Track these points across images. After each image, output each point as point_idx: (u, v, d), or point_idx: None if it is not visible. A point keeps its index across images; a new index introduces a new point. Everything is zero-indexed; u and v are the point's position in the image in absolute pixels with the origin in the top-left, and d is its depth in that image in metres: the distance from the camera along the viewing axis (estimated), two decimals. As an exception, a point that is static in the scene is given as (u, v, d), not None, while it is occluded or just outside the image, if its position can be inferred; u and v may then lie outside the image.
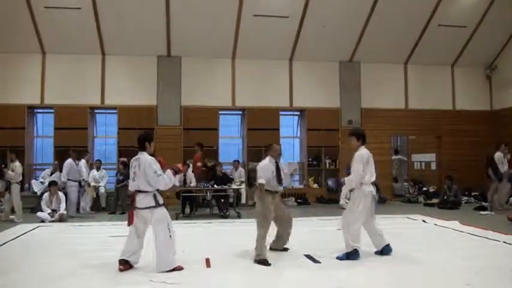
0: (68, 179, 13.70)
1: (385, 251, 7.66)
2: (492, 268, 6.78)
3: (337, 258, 7.35)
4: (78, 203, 14.06)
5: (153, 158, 6.65)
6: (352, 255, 7.29)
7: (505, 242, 8.74)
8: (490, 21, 17.04)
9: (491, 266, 6.92)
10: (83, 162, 14.14)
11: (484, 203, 15.29)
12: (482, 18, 17.04)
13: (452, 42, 17.80)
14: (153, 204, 6.60)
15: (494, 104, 18.97)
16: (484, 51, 18.36)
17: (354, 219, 7.38)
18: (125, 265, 6.67)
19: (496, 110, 18.80)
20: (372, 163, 7.57)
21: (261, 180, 7.60)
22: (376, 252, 7.74)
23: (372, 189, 7.51)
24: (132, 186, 6.70)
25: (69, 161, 13.84)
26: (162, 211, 6.66)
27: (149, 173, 6.51)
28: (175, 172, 6.90)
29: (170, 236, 6.60)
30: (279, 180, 7.87)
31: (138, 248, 6.79)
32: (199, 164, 14.42)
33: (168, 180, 6.66)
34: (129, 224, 6.69)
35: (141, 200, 6.60)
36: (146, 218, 6.63)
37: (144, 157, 6.62)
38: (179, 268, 6.60)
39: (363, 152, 7.52)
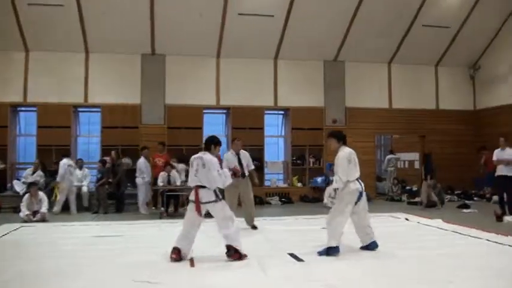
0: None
1: (370, 246, 7.96)
2: (475, 266, 6.94)
3: (318, 253, 7.62)
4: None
5: (216, 159, 7.49)
6: (331, 250, 7.54)
7: (488, 240, 8.94)
8: (474, 22, 17.42)
9: (474, 263, 7.09)
10: (61, 162, 14.09)
11: (466, 201, 15.72)
12: (466, 19, 17.41)
13: (436, 42, 18.15)
14: (214, 198, 7.30)
15: (477, 104, 19.39)
16: (468, 51, 18.76)
17: (337, 216, 7.66)
18: (178, 254, 7.24)
19: (479, 109, 19.23)
20: (356, 160, 7.87)
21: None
22: (362, 247, 8.05)
23: (358, 186, 7.76)
24: (193, 181, 7.38)
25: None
26: (222, 204, 7.44)
27: (213, 171, 7.25)
28: (234, 174, 7.98)
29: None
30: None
31: (192, 239, 7.44)
32: (161, 162, 14.68)
33: (225, 178, 7.46)
34: (199, 214, 7.33)
35: (204, 195, 7.27)
36: (210, 209, 7.41)
37: (208, 157, 7.37)
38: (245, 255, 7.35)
39: (345, 151, 7.79)
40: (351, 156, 7.76)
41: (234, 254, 7.27)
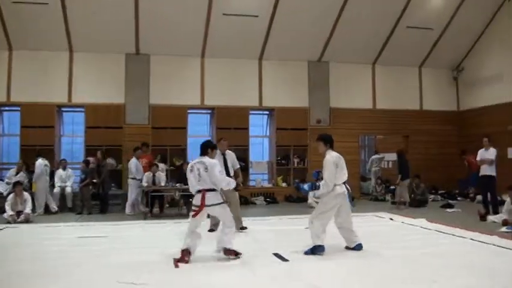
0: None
1: (356, 248, 8.09)
2: (459, 265, 7.03)
3: (304, 253, 7.75)
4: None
5: (217, 161, 7.87)
6: (316, 249, 7.68)
7: (472, 239, 9.06)
8: (457, 24, 17.68)
9: (458, 262, 7.19)
10: (37, 162, 14.04)
11: (450, 201, 15.95)
12: (450, 22, 17.67)
13: (420, 44, 18.38)
14: (220, 201, 7.58)
15: (461, 105, 19.64)
16: (451, 53, 19.02)
17: (320, 217, 7.80)
18: (188, 255, 7.33)
19: (463, 110, 19.51)
20: (343, 164, 7.99)
21: None
22: (347, 248, 8.19)
23: (344, 189, 7.89)
24: (198, 186, 7.51)
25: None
26: (225, 207, 7.70)
27: (216, 173, 7.45)
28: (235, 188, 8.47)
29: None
30: (226, 170, 9.52)
31: (199, 235, 7.59)
32: (144, 162, 14.76)
33: (228, 180, 7.79)
34: (194, 216, 7.50)
35: (211, 198, 7.44)
36: (212, 212, 7.74)
37: (208, 160, 7.59)
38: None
39: (332, 155, 7.92)
40: (338, 160, 7.88)
41: (229, 251, 7.53)
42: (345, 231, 8.14)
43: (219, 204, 7.53)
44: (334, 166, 7.78)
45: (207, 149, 7.78)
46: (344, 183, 7.91)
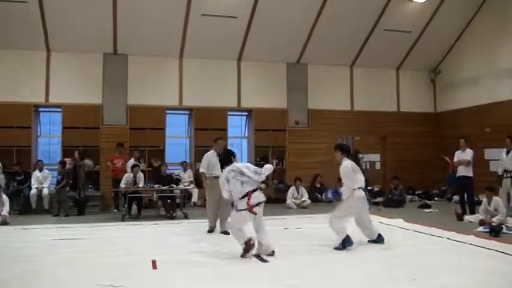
0: None
1: (378, 239, 8.82)
2: (437, 263, 7.22)
3: (335, 248, 8.21)
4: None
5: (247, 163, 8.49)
6: (346, 242, 8.20)
7: (448, 238, 9.29)
8: (435, 27, 18.00)
9: (436, 261, 7.39)
10: None
11: (427, 201, 16.34)
12: (427, 24, 17.94)
13: (398, 47, 18.72)
14: (264, 199, 7.94)
15: (438, 107, 20.00)
16: (429, 55, 19.38)
17: (340, 218, 8.39)
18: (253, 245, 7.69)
19: (440, 112, 19.87)
20: (359, 170, 8.67)
21: (201, 170, 10.58)
22: (369, 241, 8.87)
23: (363, 193, 8.61)
24: (243, 190, 7.73)
25: None
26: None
27: (251, 174, 7.80)
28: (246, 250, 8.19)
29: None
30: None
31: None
32: (120, 163, 14.87)
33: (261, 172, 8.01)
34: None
35: (257, 196, 7.75)
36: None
37: (239, 164, 8.09)
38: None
39: (347, 163, 8.53)
40: (354, 166, 8.51)
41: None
42: (364, 228, 8.86)
43: (263, 202, 7.90)
44: (352, 171, 8.40)
45: (230, 157, 8.16)
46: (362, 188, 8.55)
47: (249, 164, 8.18)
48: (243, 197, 7.65)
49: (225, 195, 8.01)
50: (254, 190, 7.73)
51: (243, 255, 7.56)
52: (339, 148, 8.80)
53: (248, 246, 7.56)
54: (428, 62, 19.65)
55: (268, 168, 8.01)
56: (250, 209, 7.61)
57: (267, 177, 8.67)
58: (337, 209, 8.53)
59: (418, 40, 18.45)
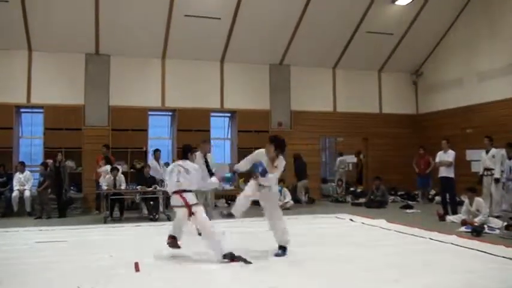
0: None
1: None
2: (419, 263, 7.29)
3: (275, 255, 7.84)
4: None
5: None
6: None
7: (431, 239, 9.41)
8: (417, 30, 18.40)
9: (418, 261, 7.46)
10: None
11: (409, 202, 16.57)
12: (410, 27, 18.30)
13: (380, 49, 19.09)
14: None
15: (420, 108, 20.35)
16: (411, 58, 19.79)
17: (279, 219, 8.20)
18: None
19: (422, 113, 20.23)
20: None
21: None
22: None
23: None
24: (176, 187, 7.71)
25: None
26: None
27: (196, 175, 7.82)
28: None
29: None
30: (209, 171, 10.09)
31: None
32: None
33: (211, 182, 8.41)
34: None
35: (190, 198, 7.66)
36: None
37: (189, 163, 7.91)
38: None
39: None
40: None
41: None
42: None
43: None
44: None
45: (187, 153, 8.09)
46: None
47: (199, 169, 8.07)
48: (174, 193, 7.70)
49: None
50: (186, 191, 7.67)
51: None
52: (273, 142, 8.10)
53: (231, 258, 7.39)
54: (410, 64, 20.02)
55: (211, 182, 8.37)
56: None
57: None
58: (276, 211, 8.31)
59: (400, 42, 18.81)
